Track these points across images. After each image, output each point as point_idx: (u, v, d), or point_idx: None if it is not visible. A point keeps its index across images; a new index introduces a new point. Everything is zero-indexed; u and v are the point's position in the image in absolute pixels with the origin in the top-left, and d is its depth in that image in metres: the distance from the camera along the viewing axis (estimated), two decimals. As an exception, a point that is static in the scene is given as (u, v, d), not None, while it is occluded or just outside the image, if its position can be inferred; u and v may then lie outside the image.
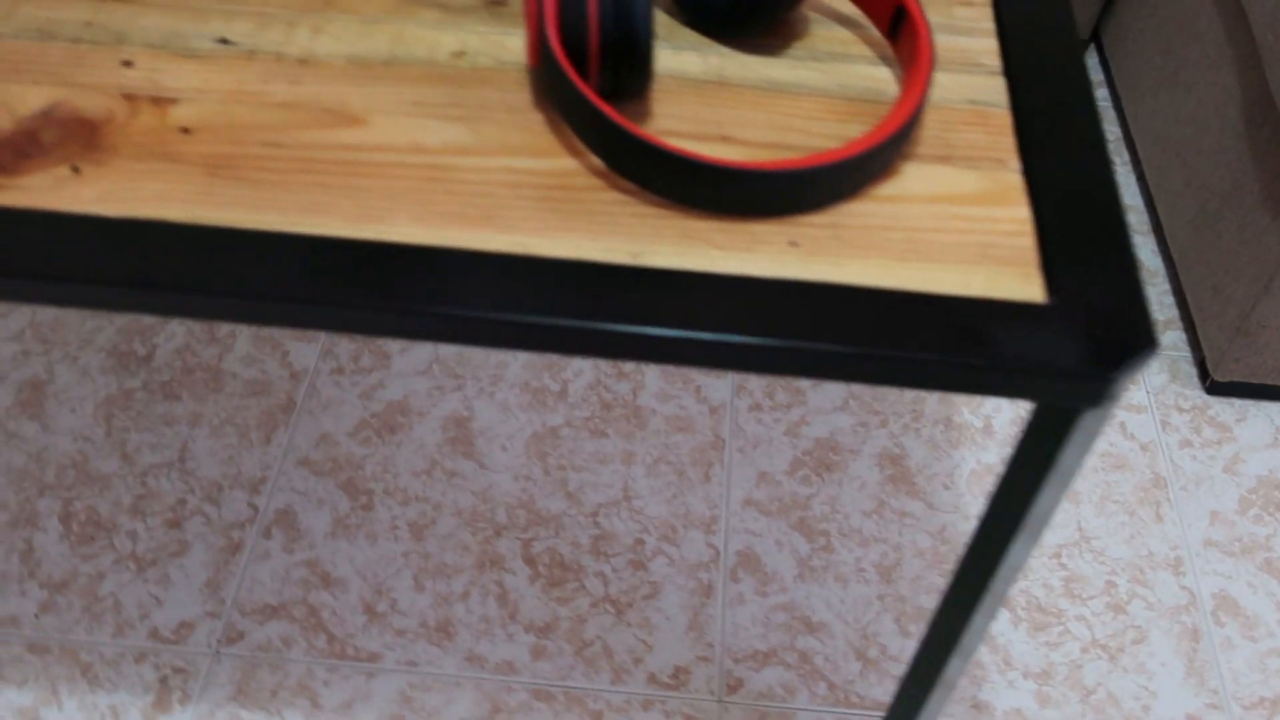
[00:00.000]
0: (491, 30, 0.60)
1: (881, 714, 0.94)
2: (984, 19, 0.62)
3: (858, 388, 1.20)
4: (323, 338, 1.18)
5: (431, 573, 1.02)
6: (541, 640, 0.98)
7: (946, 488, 1.11)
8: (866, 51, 0.59)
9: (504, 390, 1.16)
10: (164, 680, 0.93)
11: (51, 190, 0.50)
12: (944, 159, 0.54)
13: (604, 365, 1.16)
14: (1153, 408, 1.17)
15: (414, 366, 1.17)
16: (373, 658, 0.95)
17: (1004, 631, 0.99)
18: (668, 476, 1.10)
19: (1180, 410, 1.17)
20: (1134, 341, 0.47)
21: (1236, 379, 1.17)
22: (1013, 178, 0.53)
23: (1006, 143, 0.55)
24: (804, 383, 1.17)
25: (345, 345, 1.17)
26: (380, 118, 0.55)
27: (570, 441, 1.12)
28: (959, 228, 0.51)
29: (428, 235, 0.49)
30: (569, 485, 1.09)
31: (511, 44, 0.59)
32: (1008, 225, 0.51)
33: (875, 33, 0.60)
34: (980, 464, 1.12)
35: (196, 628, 0.96)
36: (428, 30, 0.60)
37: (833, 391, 1.16)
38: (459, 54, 0.58)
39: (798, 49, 0.60)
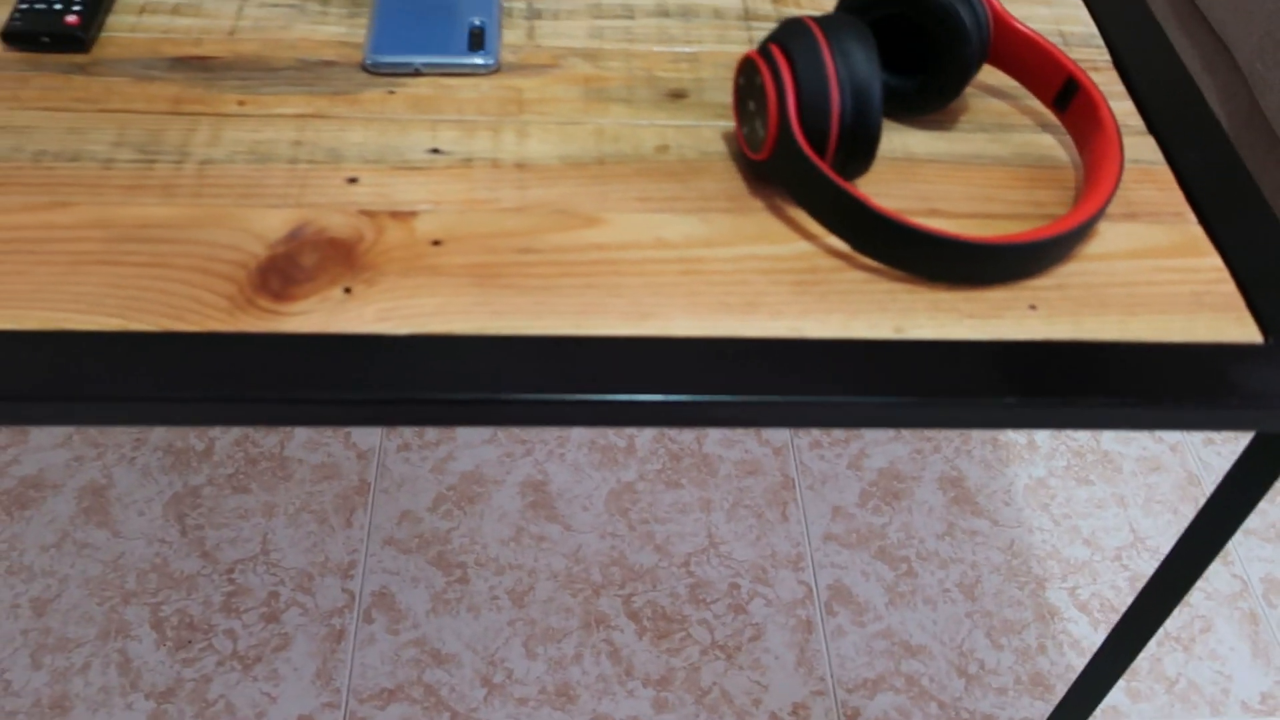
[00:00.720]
0: (683, 123, 0.63)
1: (985, 726, 0.99)
2: (1114, 82, 0.68)
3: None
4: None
5: (540, 638, 1.03)
6: (661, 693, 1.00)
7: (1006, 504, 1.17)
8: (1027, 121, 0.65)
9: (572, 450, 1.18)
10: (285, 778, 0.92)
11: (331, 313, 0.52)
12: (1131, 216, 0.59)
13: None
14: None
15: (479, 436, 1.18)
16: (493, 730, 0.96)
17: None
18: (747, 520, 1.13)
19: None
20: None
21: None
22: (1195, 229, 0.59)
23: (1177, 197, 0.61)
24: (849, 416, 1.22)
25: (400, 420, 1.17)
26: (614, 215, 0.57)
27: (647, 495, 1.15)
28: (1168, 279, 0.56)
29: (703, 327, 0.52)
30: (655, 538, 1.11)
31: (707, 134, 0.62)
32: (1209, 274, 0.57)
33: (1033, 103, 0.66)
34: (1032, 478, 1.19)
35: (307, 721, 0.95)
36: (623, 126, 0.63)
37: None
38: (662, 148, 0.61)
39: (965, 123, 0.65)
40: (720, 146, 0.62)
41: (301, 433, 1.17)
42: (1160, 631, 1.07)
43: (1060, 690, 1.03)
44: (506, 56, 0.66)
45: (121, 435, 1.15)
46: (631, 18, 0.70)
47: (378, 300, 0.52)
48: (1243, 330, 0.54)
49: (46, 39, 0.63)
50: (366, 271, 0.53)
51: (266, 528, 1.09)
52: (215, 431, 1.16)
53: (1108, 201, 0.55)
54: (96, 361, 0.49)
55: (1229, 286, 0.56)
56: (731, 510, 1.13)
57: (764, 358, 0.51)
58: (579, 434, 1.19)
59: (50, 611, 1.01)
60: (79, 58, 0.63)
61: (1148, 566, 1.12)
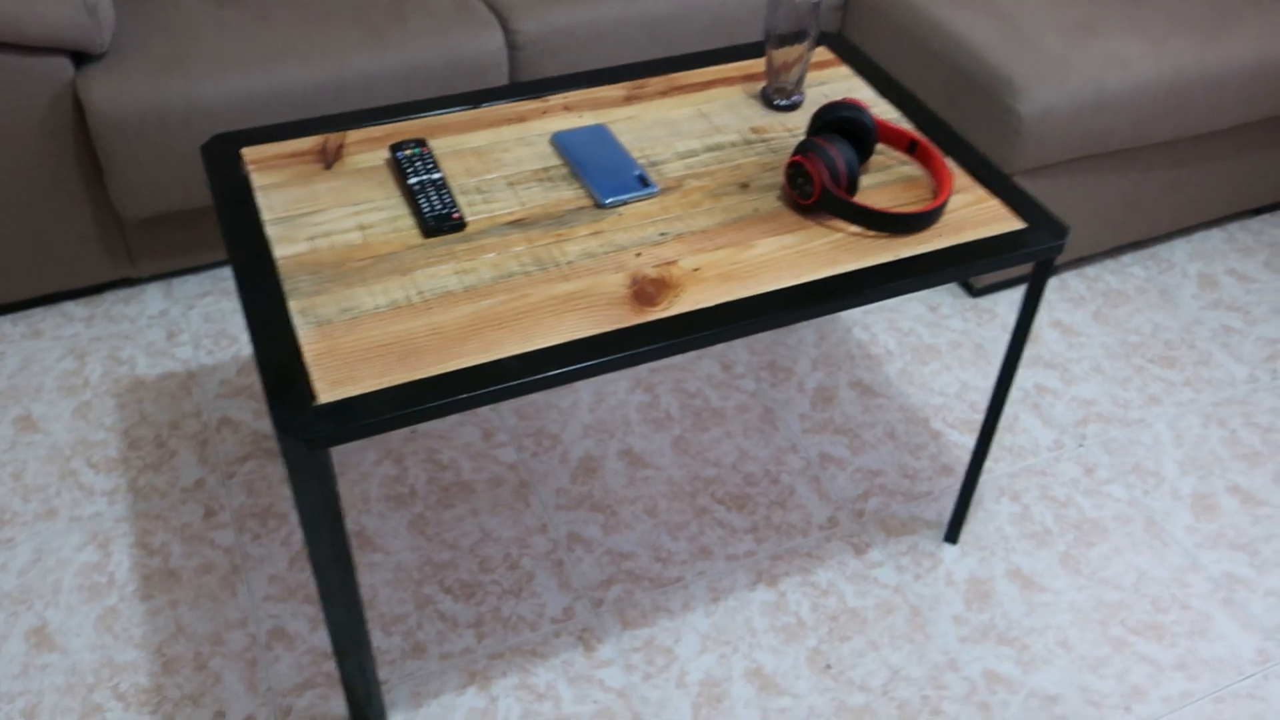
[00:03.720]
0: (752, 198, 1.33)
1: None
2: (921, 134, 1.44)
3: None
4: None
5: (672, 530, 1.67)
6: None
7: (890, 387, 1.92)
8: (900, 161, 1.39)
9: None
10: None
11: (673, 308, 1.17)
12: (958, 193, 1.35)
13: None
14: None
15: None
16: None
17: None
18: (755, 435, 1.82)
19: None
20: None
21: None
22: (983, 191, 1.35)
23: (972, 182, 1.37)
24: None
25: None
26: (757, 240, 1.26)
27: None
28: (980, 213, 1.31)
29: (799, 279, 1.22)
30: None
31: (771, 200, 1.32)
32: (995, 206, 1.32)
33: (898, 154, 1.40)
34: (896, 371, 1.95)
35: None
36: (732, 202, 1.31)
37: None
38: (754, 210, 1.31)
39: (874, 168, 1.38)
40: (776, 205, 1.32)
41: (466, 462, 1.74)
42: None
43: (960, 471, 1.78)
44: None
45: (370, 489, 1.69)
46: (696, 155, 1.39)
47: (682, 304, 1.18)
48: (1014, 223, 1.30)
49: (445, 226, 1.24)
50: (673, 288, 1.19)
51: (478, 521, 1.66)
52: (417, 479, 1.72)
53: (949, 192, 1.30)
54: (597, 346, 1.11)
55: (1005, 210, 1.32)
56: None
57: (828, 288, 1.21)
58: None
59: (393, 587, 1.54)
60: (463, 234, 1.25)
61: (983, 397, 1.91)
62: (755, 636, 1.54)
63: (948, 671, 1.51)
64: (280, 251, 1.22)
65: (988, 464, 1.79)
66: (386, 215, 1.28)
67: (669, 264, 1.23)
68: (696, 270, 1.23)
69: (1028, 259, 1.28)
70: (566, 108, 1.46)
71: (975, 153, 1.41)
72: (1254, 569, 1.65)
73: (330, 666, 1.46)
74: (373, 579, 1.57)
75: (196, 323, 1.97)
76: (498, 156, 1.38)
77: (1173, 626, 1.57)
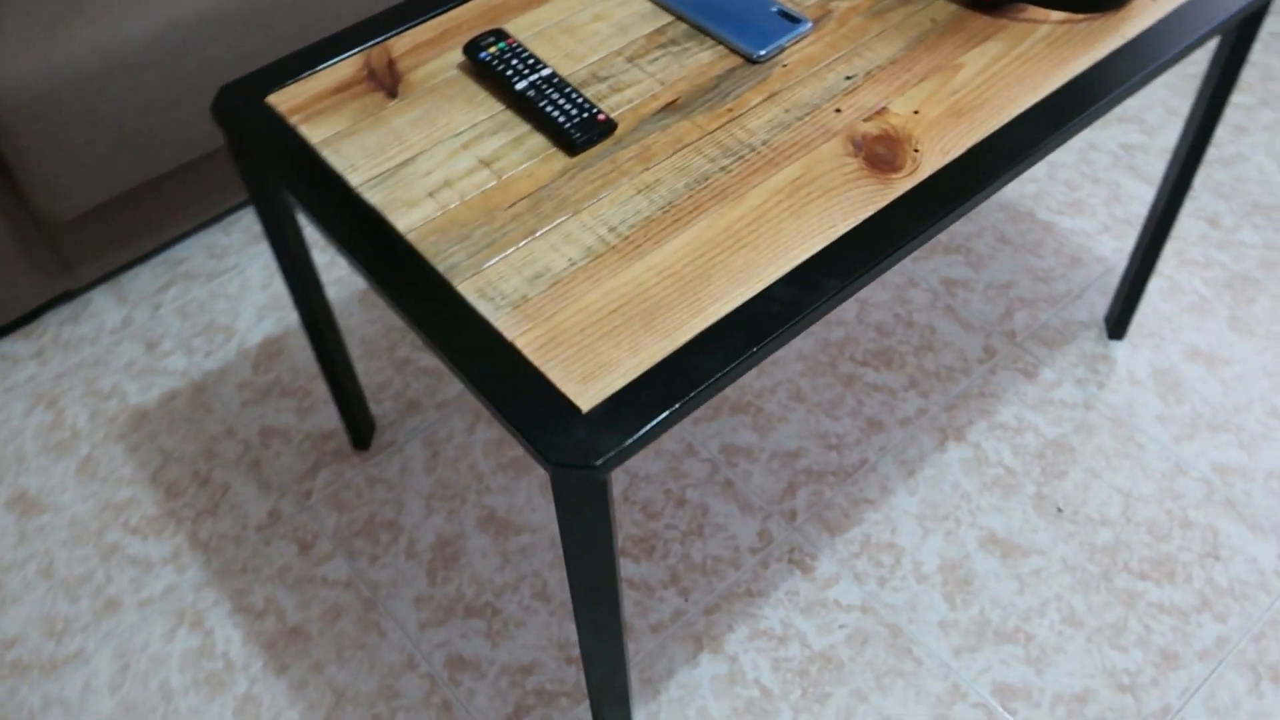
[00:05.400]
0: (926, 6, 1.07)
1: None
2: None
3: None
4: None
5: (825, 408, 1.47)
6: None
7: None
8: None
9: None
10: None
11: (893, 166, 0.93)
12: None
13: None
14: None
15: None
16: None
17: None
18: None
19: None
20: None
21: None
22: None
23: None
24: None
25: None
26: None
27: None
28: (1182, -41, 1.10)
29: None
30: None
31: (942, 7, 1.07)
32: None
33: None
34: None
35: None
36: (910, 15, 1.06)
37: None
38: (933, 20, 1.05)
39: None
40: (952, 8, 1.07)
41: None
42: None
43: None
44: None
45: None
46: None
47: (930, 159, 0.94)
48: (1228, -37, 1.09)
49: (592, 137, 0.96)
50: (907, 141, 0.95)
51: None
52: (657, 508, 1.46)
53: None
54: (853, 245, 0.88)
55: None
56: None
57: (1081, 91, 0.99)
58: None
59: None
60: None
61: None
62: (970, 500, 1.38)
63: (1177, 477, 1.38)
64: (402, 222, 0.91)
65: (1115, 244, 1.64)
66: (507, 139, 0.97)
67: (881, 113, 0.98)
68: (917, 113, 0.98)
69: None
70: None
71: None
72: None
73: (538, 680, 1.23)
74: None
75: (172, 322, 1.61)
76: (593, 29, 1.08)
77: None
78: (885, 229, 0.89)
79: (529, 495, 1.39)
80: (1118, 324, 1.51)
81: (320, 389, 1.52)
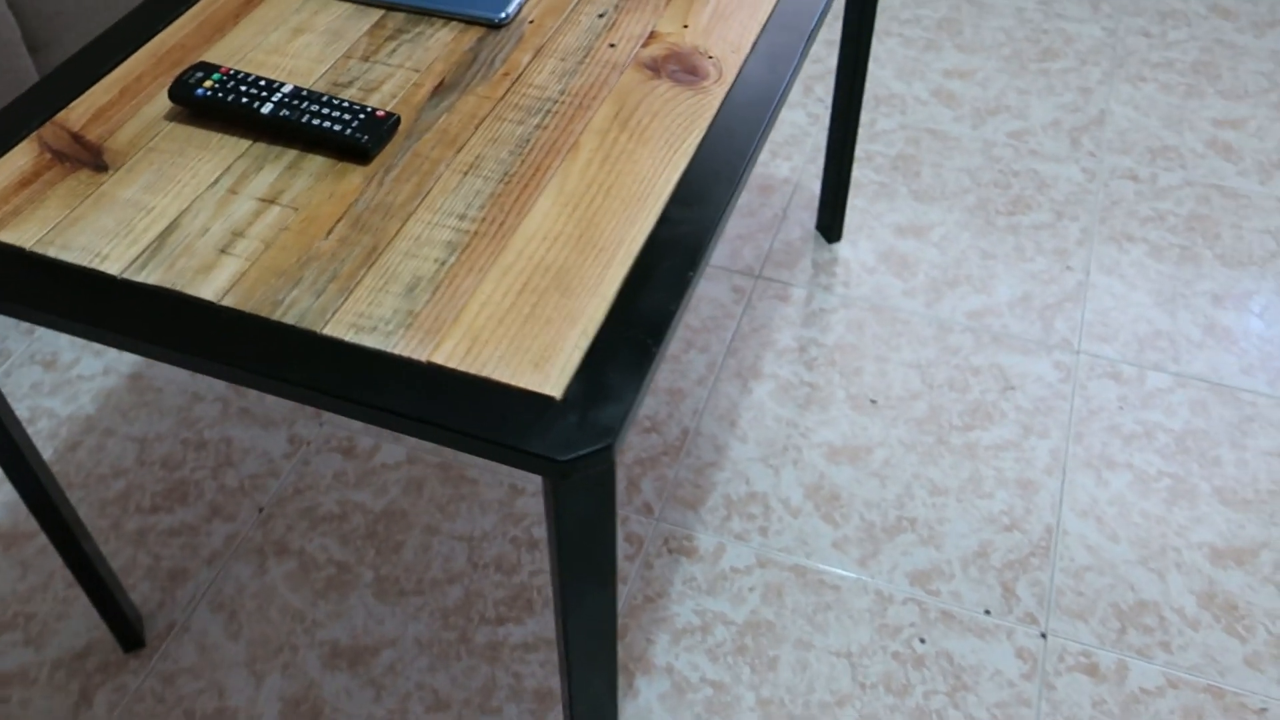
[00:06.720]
0: None
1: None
2: None
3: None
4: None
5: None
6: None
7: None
8: None
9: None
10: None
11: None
12: None
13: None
14: None
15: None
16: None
17: None
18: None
19: None
20: None
21: None
22: None
23: None
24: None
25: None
26: None
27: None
28: None
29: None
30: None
31: None
32: None
33: None
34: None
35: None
36: None
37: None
38: None
39: None
40: None
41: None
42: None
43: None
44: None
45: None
46: None
47: (730, 64, 0.91)
48: None
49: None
50: (697, 55, 0.91)
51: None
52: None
53: None
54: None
55: None
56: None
57: None
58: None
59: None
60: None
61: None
62: (797, 425, 1.37)
63: (947, 336, 1.47)
64: (208, 290, 0.72)
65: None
66: (278, 169, 0.80)
67: (654, 36, 0.93)
68: (686, 26, 0.94)
69: None
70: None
71: None
72: None
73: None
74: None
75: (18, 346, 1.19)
76: (302, 42, 0.93)
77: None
78: (731, 128, 0.84)
79: (368, 608, 1.19)
80: (831, 229, 1.58)
81: (40, 604, 1.19)
